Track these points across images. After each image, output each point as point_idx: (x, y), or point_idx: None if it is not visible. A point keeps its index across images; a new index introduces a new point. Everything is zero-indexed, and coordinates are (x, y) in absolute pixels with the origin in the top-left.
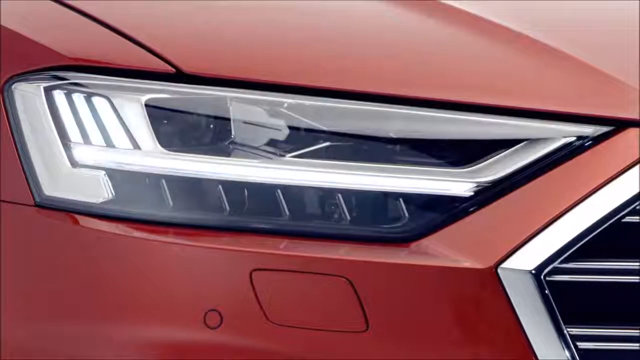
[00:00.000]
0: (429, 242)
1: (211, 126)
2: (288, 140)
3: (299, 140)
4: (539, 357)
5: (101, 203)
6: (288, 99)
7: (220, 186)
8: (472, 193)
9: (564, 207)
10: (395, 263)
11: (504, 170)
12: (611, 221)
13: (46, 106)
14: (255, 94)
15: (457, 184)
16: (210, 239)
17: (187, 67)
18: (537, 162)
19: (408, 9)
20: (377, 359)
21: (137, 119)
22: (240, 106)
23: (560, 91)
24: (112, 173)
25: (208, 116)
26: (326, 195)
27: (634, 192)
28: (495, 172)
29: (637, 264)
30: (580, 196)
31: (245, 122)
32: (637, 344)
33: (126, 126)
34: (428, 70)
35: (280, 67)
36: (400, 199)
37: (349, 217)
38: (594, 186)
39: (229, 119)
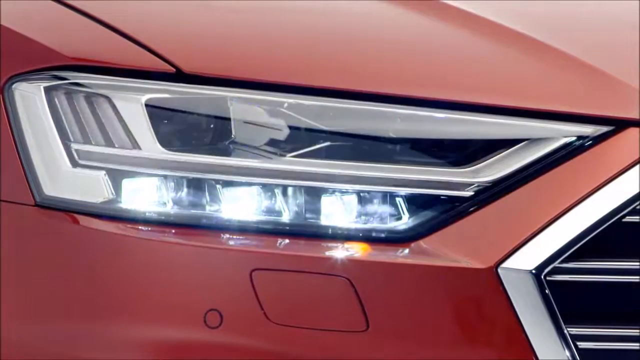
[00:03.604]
0: (429, 242)
1: (211, 126)
2: (288, 140)
3: (299, 140)
4: (539, 357)
5: (101, 203)
6: (288, 99)
7: (220, 186)
8: (472, 193)
9: (565, 207)
10: (395, 263)
11: (504, 170)
12: (611, 221)
13: (46, 106)
14: (255, 94)
15: (457, 183)
16: (210, 238)
17: (187, 67)
18: (538, 162)
19: (408, 9)
20: (377, 359)
21: (137, 119)
22: (241, 106)
23: (561, 91)
24: (112, 173)
25: (208, 116)
26: (326, 195)
27: (634, 191)
28: (495, 172)
29: (637, 263)
30: (581, 196)
31: (245, 122)
32: (637, 344)
33: (126, 126)
34: (428, 70)
35: (280, 67)
36: (401, 199)
37: (348, 217)
38: (594, 186)
39: (229, 119)
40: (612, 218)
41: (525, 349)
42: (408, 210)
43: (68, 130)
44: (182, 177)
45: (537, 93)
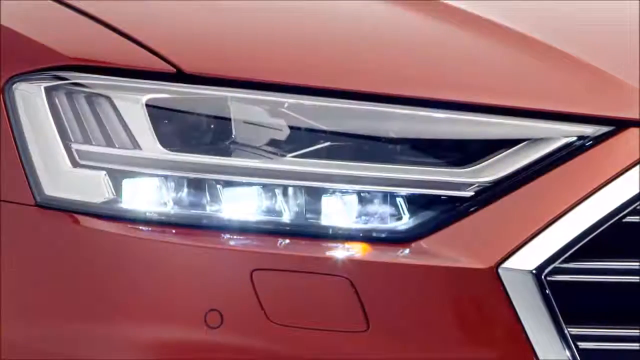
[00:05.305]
0: (430, 242)
1: (212, 126)
2: (288, 140)
3: (300, 140)
4: (540, 357)
5: (102, 203)
6: (288, 99)
7: (220, 186)
8: (472, 193)
9: (565, 207)
10: (395, 263)
11: (504, 170)
12: (612, 221)
13: (47, 106)
14: (255, 94)
15: (457, 183)
16: (210, 239)
17: (188, 67)
18: (538, 162)
19: (408, 9)
20: (377, 359)
21: (137, 119)
22: (241, 106)
23: (561, 91)
24: (112, 173)
25: (208, 116)
26: (326, 195)
27: (634, 192)
28: (495, 172)
29: (638, 264)
30: (581, 196)
31: (245, 122)
32: (637, 344)
33: (127, 126)
34: (428, 70)
35: (280, 67)
36: (401, 199)
37: (349, 217)
38: (595, 186)
39: (229, 119)
40: (612, 218)
41: (526, 349)
42: (408, 210)
43: (68, 130)
44: (182, 177)
45: (537, 93)
